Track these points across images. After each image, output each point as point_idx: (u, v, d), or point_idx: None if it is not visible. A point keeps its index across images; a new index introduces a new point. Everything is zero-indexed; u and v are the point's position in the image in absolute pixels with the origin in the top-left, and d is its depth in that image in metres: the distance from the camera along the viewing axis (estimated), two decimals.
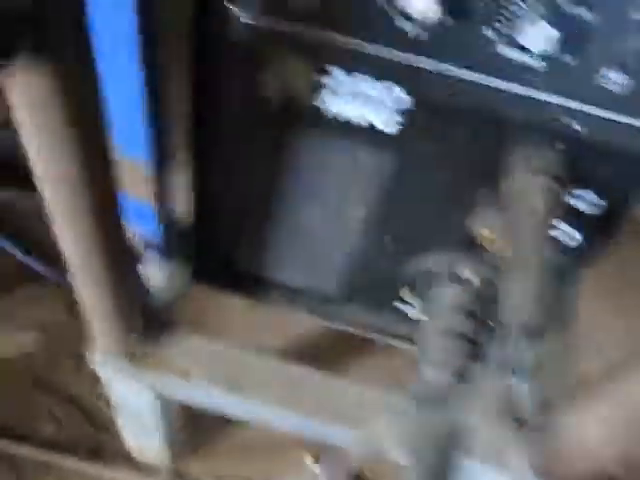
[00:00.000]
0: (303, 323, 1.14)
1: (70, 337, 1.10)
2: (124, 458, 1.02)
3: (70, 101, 0.32)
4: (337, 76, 0.49)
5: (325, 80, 0.50)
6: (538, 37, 0.41)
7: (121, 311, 0.60)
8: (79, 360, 1.08)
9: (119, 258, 0.53)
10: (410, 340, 0.74)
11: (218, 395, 0.67)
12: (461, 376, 0.57)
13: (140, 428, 0.90)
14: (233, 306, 1.16)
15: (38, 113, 0.32)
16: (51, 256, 1.17)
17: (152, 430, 0.89)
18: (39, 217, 1.24)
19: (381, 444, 0.61)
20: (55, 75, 0.29)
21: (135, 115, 0.54)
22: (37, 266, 1.14)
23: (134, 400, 0.79)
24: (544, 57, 0.44)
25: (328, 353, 1.13)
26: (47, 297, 1.12)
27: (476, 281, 0.60)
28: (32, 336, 1.09)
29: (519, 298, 0.46)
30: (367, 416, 0.66)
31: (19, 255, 1.15)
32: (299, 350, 1.14)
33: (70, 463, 0.99)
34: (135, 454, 1.01)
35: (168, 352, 0.68)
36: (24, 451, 0.99)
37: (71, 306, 1.12)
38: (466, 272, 0.60)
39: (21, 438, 1.00)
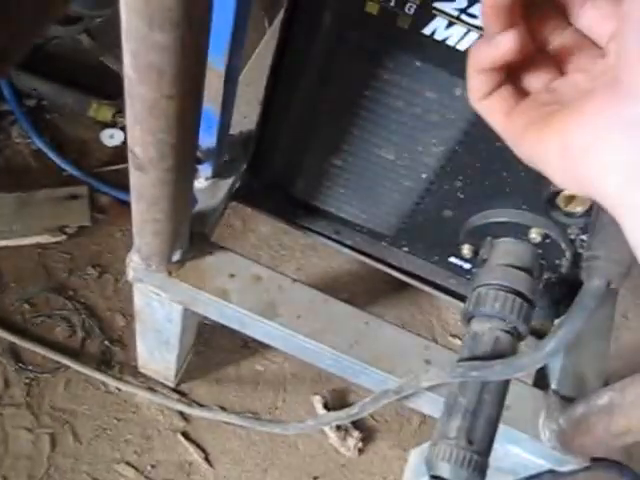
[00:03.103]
0: (337, 258, 1.14)
1: (93, 246, 1.09)
2: (131, 371, 1.02)
3: None
4: None
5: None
6: None
7: (173, 220, 0.58)
8: (100, 270, 1.08)
9: (189, 159, 0.51)
10: (453, 294, 0.73)
11: (252, 318, 0.66)
12: (511, 333, 0.56)
13: (156, 343, 0.89)
14: (264, 230, 1.16)
15: None
16: (84, 161, 1.16)
17: (168, 347, 0.89)
18: (75, 118, 1.22)
19: None
20: None
21: (226, 19, 0.52)
22: (70, 169, 1.13)
23: (160, 314, 0.78)
24: None
25: (360, 292, 1.13)
26: (76, 202, 1.11)
27: (539, 240, 0.59)
28: (55, 239, 1.07)
29: None
30: (401, 362, 0.65)
31: (53, 156, 1.13)
32: (327, 285, 1.13)
33: (78, 368, 0.99)
34: (143, 369, 1.01)
35: (208, 269, 0.67)
36: (34, 349, 0.99)
37: (99, 214, 1.11)
38: (532, 231, 0.58)
39: (33, 337, 1.00)
